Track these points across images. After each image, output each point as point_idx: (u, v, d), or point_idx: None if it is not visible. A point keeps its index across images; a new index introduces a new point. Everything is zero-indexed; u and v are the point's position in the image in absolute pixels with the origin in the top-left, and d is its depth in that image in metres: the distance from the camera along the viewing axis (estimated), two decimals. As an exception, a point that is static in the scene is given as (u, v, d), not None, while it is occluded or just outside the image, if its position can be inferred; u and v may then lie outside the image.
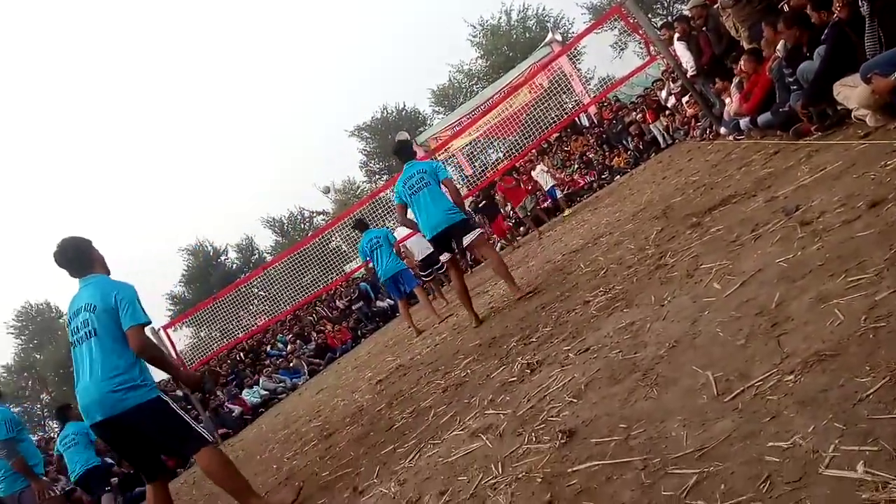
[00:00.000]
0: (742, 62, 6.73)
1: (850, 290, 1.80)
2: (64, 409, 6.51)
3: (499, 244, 16.96)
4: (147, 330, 3.24)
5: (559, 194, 14.90)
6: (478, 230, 5.38)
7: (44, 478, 4.93)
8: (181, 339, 21.20)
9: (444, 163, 24.42)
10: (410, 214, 5.49)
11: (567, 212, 13.62)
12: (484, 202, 15.65)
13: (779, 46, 5.65)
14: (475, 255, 9.92)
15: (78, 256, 3.28)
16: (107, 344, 3.07)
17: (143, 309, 3.17)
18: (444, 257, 5.45)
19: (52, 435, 21.25)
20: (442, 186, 5.34)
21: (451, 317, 7.49)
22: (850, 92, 4.17)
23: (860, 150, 3.47)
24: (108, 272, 3.38)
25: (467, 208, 18.51)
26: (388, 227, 8.96)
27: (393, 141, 26.42)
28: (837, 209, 2.54)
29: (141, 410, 3.03)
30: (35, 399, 37.50)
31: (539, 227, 12.89)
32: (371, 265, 8.23)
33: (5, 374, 37.82)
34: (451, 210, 5.26)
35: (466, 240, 5.22)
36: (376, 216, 17.15)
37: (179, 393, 12.95)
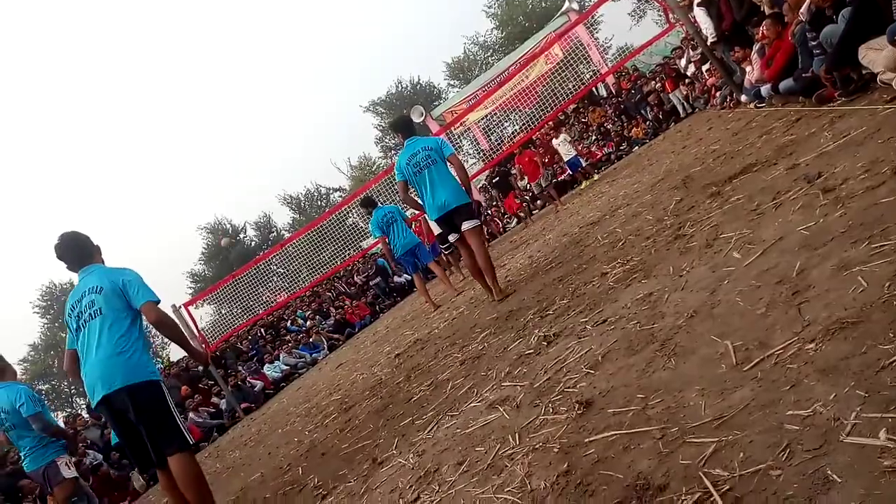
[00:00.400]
0: (763, 27, 6.56)
1: (874, 256, 1.76)
2: None
3: (513, 221, 16.92)
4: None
5: (583, 163, 14.68)
6: (477, 221, 5.18)
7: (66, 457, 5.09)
8: (202, 317, 21.50)
9: (454, 137, 24.30)
10: (413, 192, 5.32)
11: (585, 183, 13.48)
12: (497, 178, 15.53)
13: (802, 9, 5.49)
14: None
15: (78, 249, 3.41)
16: (113, 323, 3.19)
17: (149, 287, 3.30)
18: (453, 237, 5.27)
19: (79, 412, 21.78)
20: (448, 164, 5.15)
21: (468, 290, 7.49)
22: (876, 55, 4.04)
23: (885, 114, 3.37)
24: (104, 263, 3.50)
25: (482, 184, 18.48)
26: (398, 205, 8.87)
27: (408, 116, 26.31)
28: (861, 175, 2.48)
29: (142, 389, 3.13)
30: (62, 377, 38.30)
31: (555, 200, 12.80)
32: (387, 241, 8.22)
33: (32, 353, 38.65)
34: (458, 190, 5.08)
35: (465, 225, 5.06)
36: (392, 192, 17.14)
37: (200, 369, 13.19)
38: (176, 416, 3.24)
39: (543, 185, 12.95)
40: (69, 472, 4.94)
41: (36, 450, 4.81)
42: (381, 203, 10.03)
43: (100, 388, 3.11)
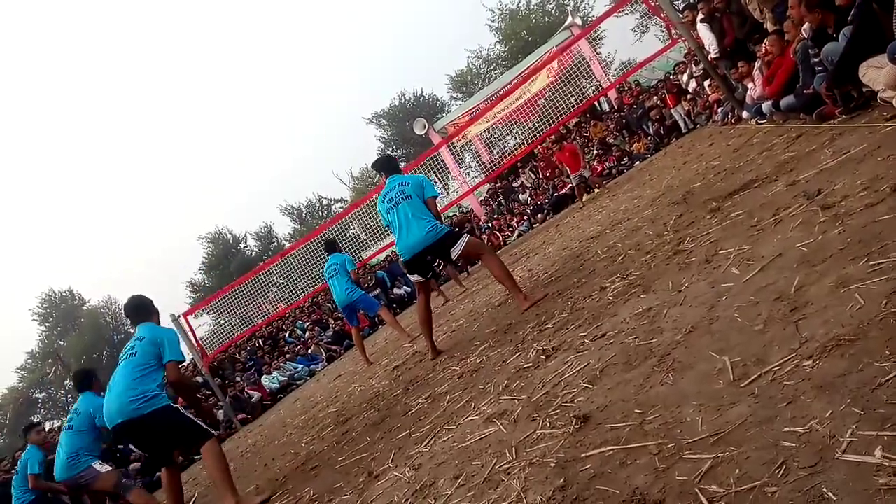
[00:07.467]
0: (766, 44, 6.59)
1: (872, 274, 1.76)
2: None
3: (514, 235, 16.83)
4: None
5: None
6: (465, 237, 4.72)
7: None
8: (201, 326, 21.46)
9: (456, 150, 24.27)
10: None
11: (585, 197, 13.51)
12: (458, 229, 15.69)
13: (804, 27, 5.53)
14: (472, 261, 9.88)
15: (140, 310, 4.24)
16: (137, 366, 3.87)
17: (180, 350, 4.04)
18: (415, 279, 4.91)
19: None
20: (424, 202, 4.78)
21: (467, 302, 7.48)
22: (877, 73, 4.06)
23: (885, 132, 3.39)
24: (159, 324, 4.32)
25: (483, 196, 18.48)
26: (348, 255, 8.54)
27: (411, 128, 26.39)
28: (860, 193, 2.48)
29: (154, 416, 3.76)
30: (59, 385, 38.21)
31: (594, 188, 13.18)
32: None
33: (30, 361, 38.60)
34: (432, 228, 4.63)
35: (454, 252, 4.65)
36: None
37: (199, 379, 13.15)
38: (192, 419, 3.92)
39: (586, 176, 13.11)
40: (105, 468, 5.16)
41: (77, 457, 5.01)
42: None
43: (115, 416, 3.77)
